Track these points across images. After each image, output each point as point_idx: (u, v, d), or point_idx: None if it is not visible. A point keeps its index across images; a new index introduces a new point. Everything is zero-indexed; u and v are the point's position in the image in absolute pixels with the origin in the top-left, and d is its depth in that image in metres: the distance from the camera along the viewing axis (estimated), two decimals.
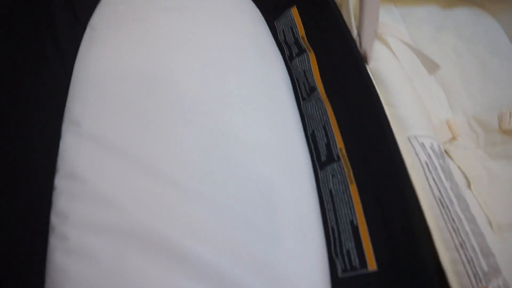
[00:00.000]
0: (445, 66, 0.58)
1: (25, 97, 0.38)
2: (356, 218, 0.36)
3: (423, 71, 0.53)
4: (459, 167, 0.52)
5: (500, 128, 0.52)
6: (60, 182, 0.36)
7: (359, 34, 0.43)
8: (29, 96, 0.39)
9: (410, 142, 0.36)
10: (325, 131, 0.42)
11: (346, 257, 0.35)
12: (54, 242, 0.34)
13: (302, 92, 0.48)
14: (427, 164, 0.34)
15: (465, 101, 0.56)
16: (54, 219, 0.35)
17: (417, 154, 0.35)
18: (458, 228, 0.33)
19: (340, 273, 0.35)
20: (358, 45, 0.42)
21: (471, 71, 0.57)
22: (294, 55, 0.50)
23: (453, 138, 0.53)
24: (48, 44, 0.43)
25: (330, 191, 0.40)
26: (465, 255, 0.32)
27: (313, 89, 0.46)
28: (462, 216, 0.33)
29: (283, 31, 0.53)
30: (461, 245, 0.32)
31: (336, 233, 0.37)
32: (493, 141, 0.53)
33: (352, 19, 0.44)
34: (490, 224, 0.48)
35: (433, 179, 0.34)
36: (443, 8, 0.62)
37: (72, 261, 0.32)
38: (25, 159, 0.36)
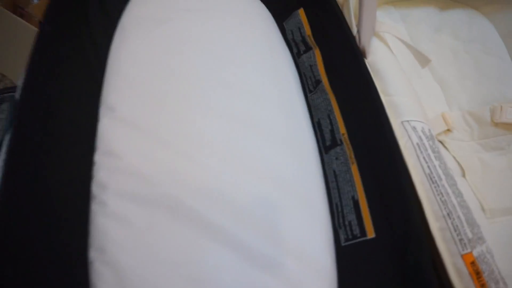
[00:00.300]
0: (442, 64, 0.62)
1: (69, 86, 0.44)
2: (357, 193, 0.40)
3: (421, 69, 0.58)
4: (454, 158, 0.56)
5: (492, 121, 0.56)
6: (99, 158, 0.42)
7: (358, 32, 0.47)
8: (72, 85, 0.44)
9: (403, 126, 0.40)
10: (330, 119, 0.47)
11: (348, 228, 0.40)
12: (95, 208, 0.39)
13: (309, 86, 0.53)
14: (418, 145, 0.39)
15: (460, 97, 0.60)
16: (95, 189, 0.40)
17: (409, 137, 0.39)
18: (445, 201, 0.37)
19: (343, 242, 0.40)
20: (357, 41, 0.47)
21: (466, 69, 0.61)
22: (302, 52, 0.55)
23: (449, 130, 0.57)
24: (86, 40, 0.48)
25: (334, 172, 0.44)
26: (452, 224, 0.36)
27: (318, 82, 0.50)
28: (449, 191, 0.37)
29: (291, 31, 0.58)
30: (448, 215, 0.36)
31: (339, 208, 0.42)
32: (486, 134, 0.57)
33: (353, 18, 0.48)
34: (483, 209, 0.52)
35: (424, 158, 0.38)
36: (440, 10, 0.66)
37: (110, 223, 0.37)
38: (70, 138, 0.41)
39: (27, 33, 0.92)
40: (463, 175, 0.55)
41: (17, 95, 0.44)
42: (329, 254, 0.39)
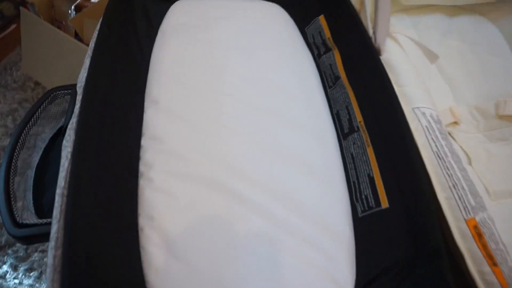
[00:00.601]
0: (450, 65, 0.68)
1: (120, 81, 0.51)
2: (372, 171, 0.46)
3: (431, 68, 0.64)
4: (461, 147, 0.61)
5: (497, 114, 0.61)
6: (145, 142, 0.48)
7: (374, 33, 0.54)
8: (123, 81, 0.51)
9: (414, 112, 0.46)
10: (347, 110, 0.53)
11: (364, 201, 0.45)
12: (143, 183, 0.45)
13: (328, 82, 0.59)
14: (427, 128, 0.45)
15: (467, 94, 0.65)
16: (142, 167, 0.46)
17: (419, 120, 0.45)
18: (451, 174, 0.42)
19: (360, 214, 0.45)
20: (373, 41, 0.53)
21: (473, 68, 0.67)
22: (322, 53, 0.62)
23: (456, 123, 0.62)
24: (133, 44, 0.56)
25: (352, 154, 0.50)
26: (457, 193, 0.41)
27: (337, 78, 0.57)
28: (454, 166, 0.43)
29: (312, 35, 0.65)
30: (454, 186, 0.42)
31: (356, 185, 0.48)
32: (491, 126, 0.62)
33: (369, 22, 0.55)
34: (488, 192, 0.57)
35: (432, 138, 0.44)
36: (448, 16, 0.72)
37: (157, 196, 0.44)
38: (121, 125, 0.48)
39: (63, 43, 1.01)
40: (470, 163, 0.60)
41: (77, 88, 0.52)
42: (347, 223, 0.45)
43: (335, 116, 0.55)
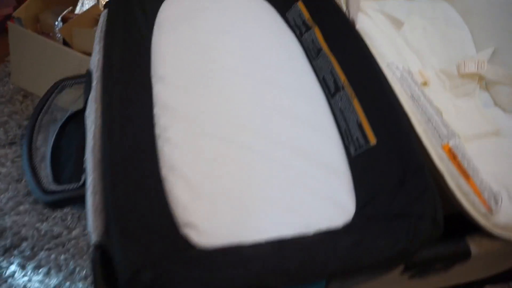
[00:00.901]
0: (415, 37, 0.77)
1: (129, 61, 0.57)
2: (359, 117, 0.53)
3: (398, 40, 0.73)
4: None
5: (459, 74, 0.71)
6: (158, 111, 0.54)
7: (347, 9, 0.62)
8: (131, 60, 0.57)
9: (389, 66, 0.54)
10: (332, 73, 0.61)
11: (356, 142, 0.53)
12: (161, 143, 0.51)
13: (312, 54, 0.67)
14: (401, 77, 0.53)
15: (432, 59, 0.74)
16: (158, 130, 0.52)
17: (393, 73, 0.53)
18: (425, 111, 0.50)
19: (353, 153, 0.53)
20: (347, 15, 0.61)
21: (434, 39, 0.77)
22: (303, 32, 0.70)
23: (425, 84, 0.71)
24: (135, 30, 0.62)
25: (340, 109, 0.57)
26: (432, 125, 0.49)
27: (319, 50, 0.65)
28: (427, 104, 0.51)
29: (293, 18, 0.73)
30: (428, 119, 0.50)
31: (347, 131, 0.55)
32: (455, 85, 0.71)
33: (342, 2, 0.63)
34: (459, 137, 0.66)
35: (406, 85, 0.52)
36: (409, 1, 0.82)
37: (175, 151, 0.49)
38: (137, 97, 0.54)
39: (54, 51, 1.05)
40: (441, 115, 0.69)
41: (91, 68, 0.58)
42: (344, 161, 0.52)
43: (321, 81, 0.63)
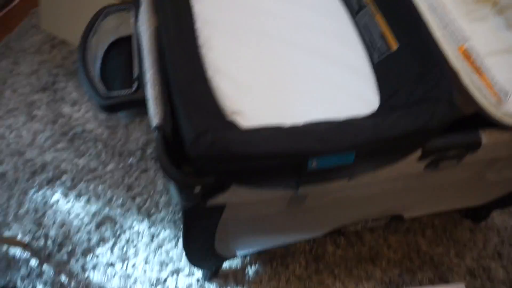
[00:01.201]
0: None
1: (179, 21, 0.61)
2: (381, 28, 0.59)
3: None
4: None
5: (473, 0, 0.75)
6: (200, 25, 0.59)
7: None
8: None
9: None
10: None
11: (379, 49, 0.58)
12: (205, 51, 0.56)
13: None
14: None
15: None
16: (201, 41, 0.57)
17: None
18: (443, 18, 0.55)
19: (376, 60, 0.58)
20: None
21: None
22: None
23: None
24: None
25: (364, 24, 0.62)
26: (448, 31, 0.54)
27: None
28: (443, 14, 0.56)
29: None
30: (445, 26, 0.55)
31: (371, 42, 0.60)
32: (470, 9, 0.75)
33: None
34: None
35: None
36: None
37: (219, 56, 0.54)
38: (180, 14, 0.59)
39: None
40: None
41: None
42: (368, 66, 0.58)
43: (346, 1, 0.67)
